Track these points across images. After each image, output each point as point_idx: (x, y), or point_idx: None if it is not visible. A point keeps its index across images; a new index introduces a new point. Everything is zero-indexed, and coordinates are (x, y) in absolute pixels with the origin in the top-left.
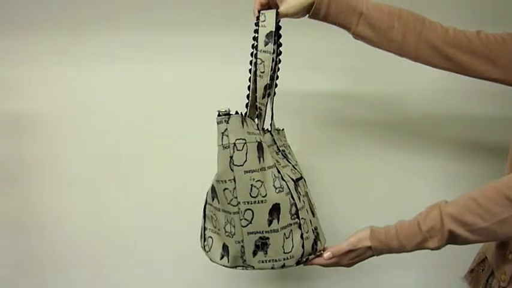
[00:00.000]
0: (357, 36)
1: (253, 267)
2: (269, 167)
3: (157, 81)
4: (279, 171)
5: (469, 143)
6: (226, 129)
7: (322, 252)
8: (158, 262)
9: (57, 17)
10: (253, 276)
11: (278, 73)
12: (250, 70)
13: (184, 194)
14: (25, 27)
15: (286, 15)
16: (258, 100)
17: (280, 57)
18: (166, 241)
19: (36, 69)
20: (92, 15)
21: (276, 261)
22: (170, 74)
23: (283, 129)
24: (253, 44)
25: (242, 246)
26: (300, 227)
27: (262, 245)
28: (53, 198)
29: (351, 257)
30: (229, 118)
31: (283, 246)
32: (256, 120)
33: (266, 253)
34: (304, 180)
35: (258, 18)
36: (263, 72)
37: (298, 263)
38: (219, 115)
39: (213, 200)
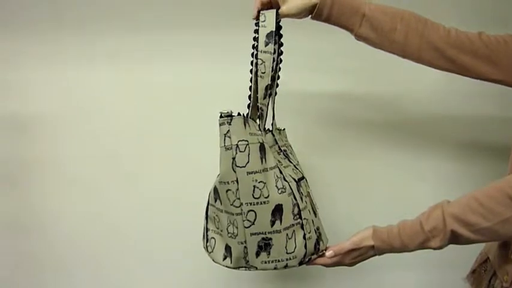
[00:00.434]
0: (359, 37)
1: (256, 268)
2: (271, 168)
3: (157, 81)
4: (281, 172)
5: (470, 143)
6: (229, 130)
7: (324, 252)
8: (158, 262)
9: (57, 17)
10: (254, 276)
11: (279, 73)
12: (251, 70)
13: (184, 194)
14: (25, 29)
15: (287, 16)
16: (259, 100)
17: (281, 57)
18: (166, 241)
19: (36, 70)
20: (92, 15)
21: (278, 261)
22: (170, 74)
23: (284, 129)
24: (253, 45)
25: (245, 247)
26: (302, 228)
27: (265, 245)
28: (53, 198)
29: (353, 256)
30: (231, 119)
31: (286, 247)
32: (258, 120)
33: (269, 254)
34: (306, 180)
35: (257, 18)
36: (264, 72)
37: (300, 263)
38: (221, 116)
39: (215, 201)
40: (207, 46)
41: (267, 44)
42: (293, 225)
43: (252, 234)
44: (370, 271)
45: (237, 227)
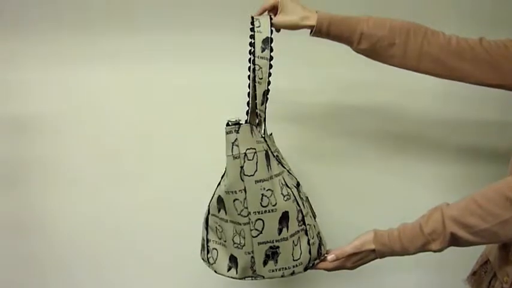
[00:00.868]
0: (358, 51)
1: (263, 277)
2: (276, 175)
3: (157, 82)
4: (283, 179)
5: (470, 148)
6: (236, 139)
7: (326, 255)
8: (158, 262)
9: (58, 19)
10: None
11: (270, 79)
12: (248, 76)
13: (184, 194)
14: (26, 29)
15: (280, 27)
16: (257, 107)
17: (272, 62)
18: (166, 242)
19: (36, 70)
20: (92, 16)
21: (286, 269)
22: (170, 74)
23: (271, 134)
24: (250, 50)
25: (252, 257)
26: (306, 233)
27: (272, 254)
28: (53, 199)
29: (355, 260)
30: (239, 128)
31: (292, 254)
32: (257, 127)
33: (276, 262)
34: (301, 185)
35: (252, 23)
36: (261, 78)
37: (305, 268)
38: (228, 125)
39: (219, 211)
40: (207, 46)
41: (263, 50)
42: (298, 231)
43: (259, 243)
44: (371, 273)
45: (244, 237)
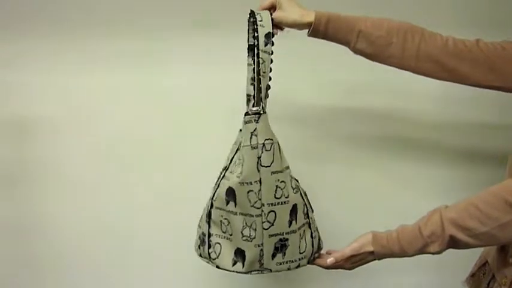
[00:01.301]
0: (356, 51)
1: (271, 270)
2: (286, 168)
3: (157, 82)
4: (291, 171)
5: (469, 151)
6: (256, 128)
7: (324, 254)
8: (158, 262)
9: (58, 20)
10: (255, 277)
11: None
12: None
13: (184, 194)
14: (26, 31)
15: (280, 23)
16: (262, 100)
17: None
18: (166, 242)
19: (36, 72)
20: (93, 19)
21: (292, 262)
22: (170, 74)
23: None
24: (252, 44)
25: (261, 250)
26: (309, 227)
27: (281, 246)
28: (54, 200)
29: (354, 261)
30: (259, 117)
31: (299, 247)
32: None
33: (284, 255)
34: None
35: (253, 16)
36: (264, 72)
37: (308, 262)
38: (247, 114)
39: (227, 204)
40: (206, 46)
41: (266, 44)
42: (304, 224)
43: (270, 235)
44: (370, 274)
45: (255, 229)
